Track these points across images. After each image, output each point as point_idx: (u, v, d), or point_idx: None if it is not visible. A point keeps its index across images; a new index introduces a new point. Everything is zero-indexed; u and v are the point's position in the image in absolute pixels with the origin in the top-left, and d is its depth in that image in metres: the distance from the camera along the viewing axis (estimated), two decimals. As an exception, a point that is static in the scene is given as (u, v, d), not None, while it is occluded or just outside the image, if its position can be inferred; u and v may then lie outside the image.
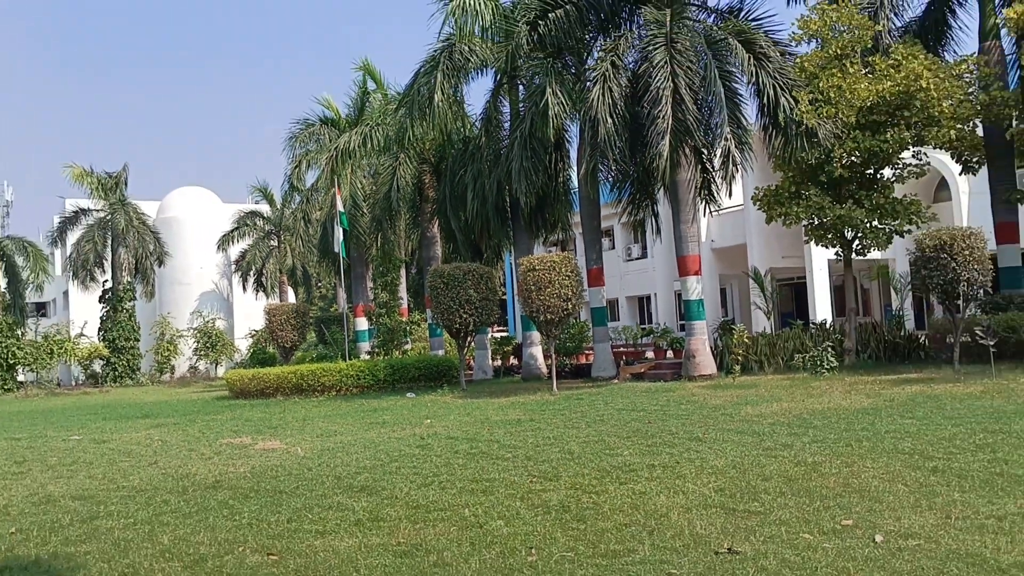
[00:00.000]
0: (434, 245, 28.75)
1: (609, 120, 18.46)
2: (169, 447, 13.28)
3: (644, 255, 35.84)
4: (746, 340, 19.84)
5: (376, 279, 32.69)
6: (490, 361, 27.84)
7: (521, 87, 24.28)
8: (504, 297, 41.11)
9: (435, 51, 23.11)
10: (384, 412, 16.93)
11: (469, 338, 22.47)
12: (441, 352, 28.01)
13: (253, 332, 44.55)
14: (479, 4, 22.25)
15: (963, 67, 19.02)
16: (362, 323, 33.10)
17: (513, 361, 29.27)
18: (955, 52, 20.96)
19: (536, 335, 24.24)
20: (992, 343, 15.67)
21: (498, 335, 34.93)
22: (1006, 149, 19.15)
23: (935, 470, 7.59)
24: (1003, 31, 18.61)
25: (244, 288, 46.87)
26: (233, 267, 48.40)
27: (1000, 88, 18.54)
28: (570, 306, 18.87)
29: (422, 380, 23.47)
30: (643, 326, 32.47)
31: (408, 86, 23.78)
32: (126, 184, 41.46)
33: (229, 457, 11.67)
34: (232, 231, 45.49)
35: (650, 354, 25.86)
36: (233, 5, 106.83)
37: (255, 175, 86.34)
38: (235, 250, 47.25)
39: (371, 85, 31.43)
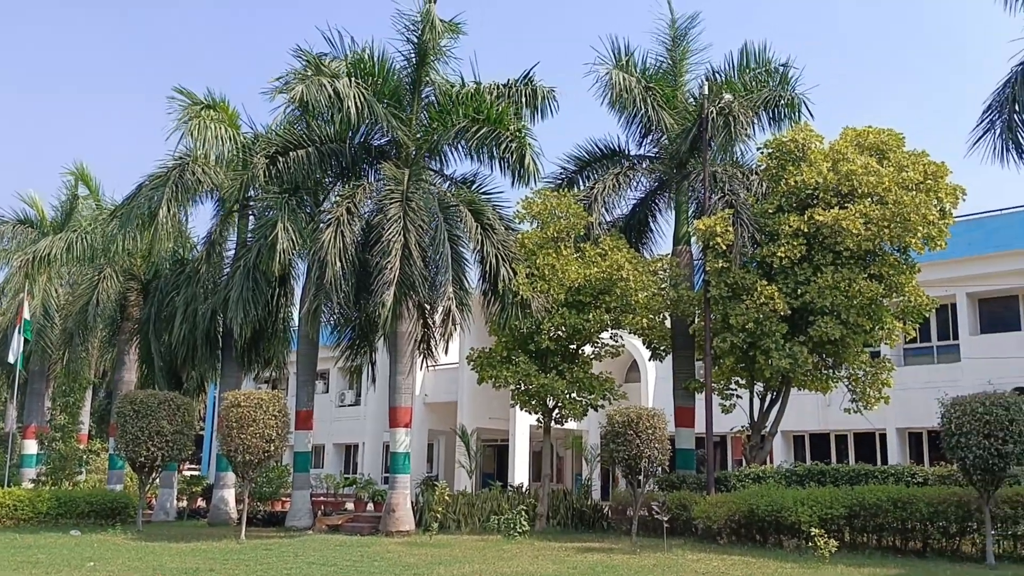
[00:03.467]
0: (129, 368, 26.54)
1: (338, 264, 18.54)
2: None
3: (357, 402, 35.42)
4: (447, 498, 19.92)
5: (56, 399, 29.54)
6: (175, 501, 25.61)
7: (252, 217, 23.89)
8: (202, 432, 38.52)
9: (166, 168, 22.27)
10: (40, 550, 14.84)
11: (154, 474, 20.58)
12: (119, 487, 25.31)
13: None
14: (220, 130, 21.93)
15: (658, 264, 21.39)
16: (31, 446, 29.24)
17: (201, 503, 27.17)
18: (652, 251, 23.53)
19: (231, 476, 22.75)
20: (666, 519, 16.95)
21: (188, 473, 32.40)
22: (689, 342, 21.47)
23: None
24: (693, 239, 21.22)
25: None
26: None
27: (687, 288, 20.97)
28: (272, 448, 17.97)
29: (92, 517, 20.98)
30: (347, 475, 31.68)
31: (129, 198, 22.54)
32: None
33: None
34: None
35: (350, 505, 25.16)
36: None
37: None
38: None
39: (84, 191, 29.42)
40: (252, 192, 22.65)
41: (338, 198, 20.17)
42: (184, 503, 26.99)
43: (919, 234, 17.80)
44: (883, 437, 25.06)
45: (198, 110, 22.17)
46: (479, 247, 19.64)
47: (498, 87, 20.97)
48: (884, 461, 24.12)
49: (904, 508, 15.12)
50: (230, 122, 22.84)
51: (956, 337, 24.70)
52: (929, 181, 18.05)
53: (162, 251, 22.11)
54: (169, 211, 21.37)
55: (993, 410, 13.61)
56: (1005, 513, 14.29)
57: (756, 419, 20.49)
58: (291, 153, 20.11)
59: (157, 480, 22.84)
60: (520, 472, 28.39)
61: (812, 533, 14.70)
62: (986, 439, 13.50)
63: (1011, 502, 14.26)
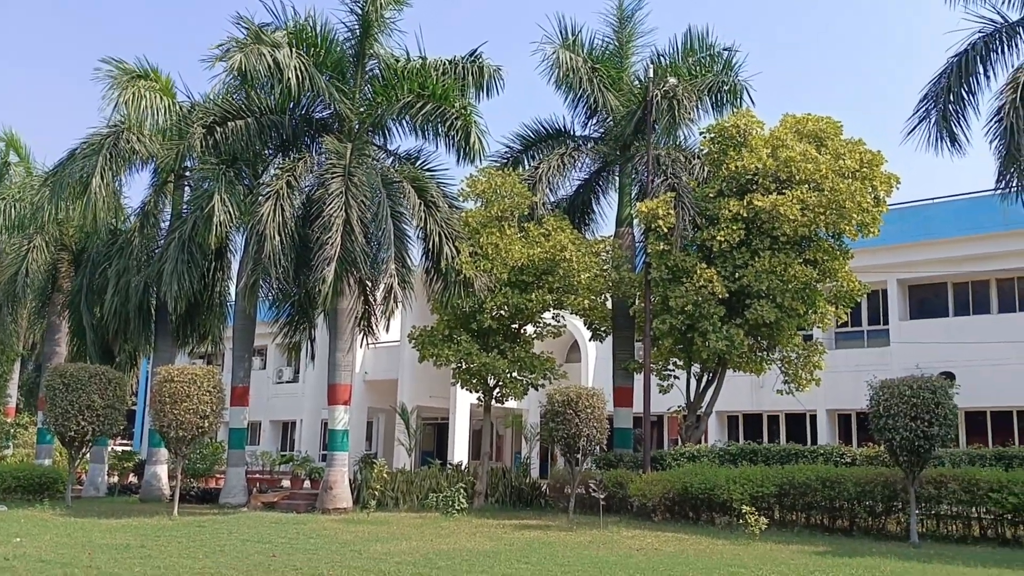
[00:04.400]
0: (60, 340, 25.84)
1: (277, 238, 18.22)
2: None
3: (295, 379, 35.04)
4: (385, 475, 19.88)
5: (-18, 371, 28.73)
6: (106, 477, 25.09)
7: (188, 188, 23.35)
8: (134, 407, 37.75)
9: (100, 135, 21.60)
10: (-39, 527, 14.40)
11: (84, 449, 20.12)
12: (48, 461, 24.72)
13: None
14: (155, 99, 21.37)
15: (601, 246, 21.54)
16: (-46, 420, 28.41)
17: (133, 479, 26.69)
18: (595, 232, 23.68)
19: (164, 452, 22.32)
20: (603, 496, 17.19)
21: (119, 448, 31.76)
22: (629, 323, 21.69)
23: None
24: (635, 221, 21.39)
25: None
26: None
27: (628, 270, 21.14)
28: (207, 424, 17.69)
29: (20, 492, 20.49)
30: (284, 453, 31.37)
31: (60, 165, 21.82)
32: None
33: None
34: None
35: (287, 482, 24.91)
36: None
37: None
38: None
39: (15, 158, 28.44)
40: (188, 162, 22.11)
41: (278, 171, 19.78)
42: (115, 479, 26.49)
43: (854, 221, 18.20)
44: (813, 418, 25.71)
45: (130, 79, 21.56)
46: (422, 224, 19.49)
47: (444, 63, 20.77)
48: (814, 441, 24.75)
49: (832, 487, 15.56)
50: (165, 91, 22.26)
51: (886, 322, 25.43)
52: (865, 169, 18.44)
53: (98, 221, 21.45)
54: (103, 180, 20.75)
55: (920, 393, 14.04)
56: (929, 493, 14.78)
57: (692, 399, 20.84)
58: (229, 123, 19.63)
59: (87, 455, 22.35)
60: (460, 450, 28.44)
61: (743, 511, 15.06)
62: (913, 421, 13.92)
63: (935, 482, 14.75)
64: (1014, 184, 15.28)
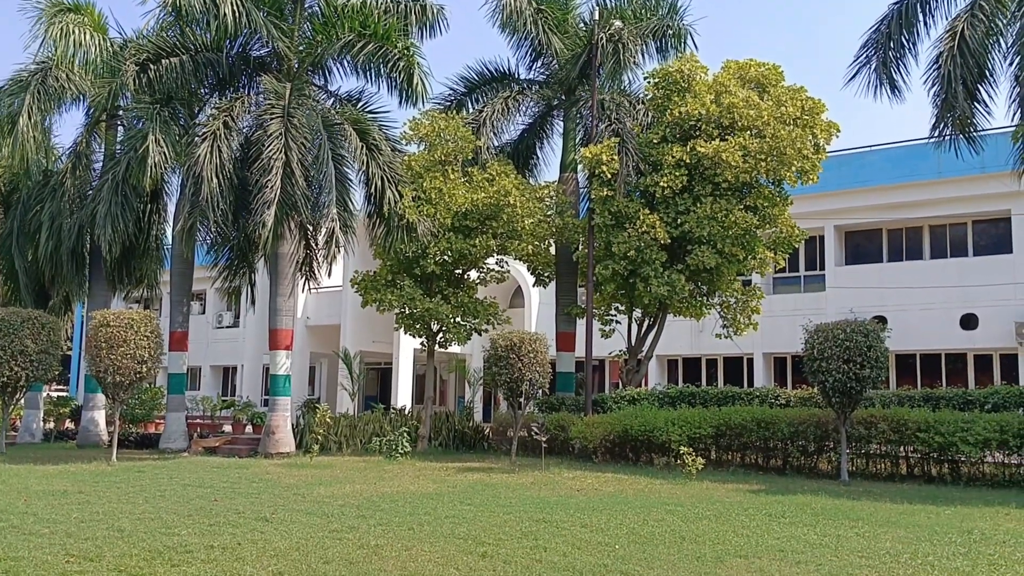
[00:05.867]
0: (-10, 285, 25.08)
1: (215, 180, 17.78)
2: None
3: (236, 324, 34.61)
4: (328, 420, 19.85)
5: (-94, 316, 27.79)
6: (41, 423, 24.62)
7: (121, 128, 22.62)
8: (69, 352, 36.99)
9: (27, 72, 20.75)
10: None
11: (19, 394, 19.67)
12: (-21, 409, 24.16)
13: None
14: (84, 35, 20.51)
15: (545, 191, 21.48)
16: None
17: (69, 425, 26.24)
18: (539, 178, 23.61)
19: (101, 398, 22.00)
20: (545, 439, 17.44)
21: (55, 394, 31.16)
22: (572, 268, 21.82)
23: (485, 555, 8.08)
24: (579, 167, 21.37)
25: None
26: None
27: (572, 215, 21.18)
28: (144, 369, 17.39)
29: (-51, 439, 20.01)
30: (225, 398, 31.11)
31: (-18, 102, 20.91)
32: None
33: None
34: None
35: (228, 428, 24.76)
36: None
37: None
38: None
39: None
40: (122, 101, 21.34)
41: (215, 111, 19.20)
42: (51, 425, 26.02)
43: (794, 168, 18.44)
44: (750, 361, 26.33)
45: (59, 11, 20.66)
46: (364, 168, 19.18)
47: (386, 1, 20.27)
48: (751, 384, 25.40)
49: (767, 428, 16.00)
50: (96, 26, 21.40)
51: (822, 268, 26.01)
52: (806, 117, 18.64)
53: (27, 161, 20.64)
54: (31, 118, 19.99)
55: (853, 336, 14.42)
56: (859, 433, 15.28)
57: (633, 344, 21.12)
58: (163, 61, 18.94)
59: (22, 401, 21.91)
60: (403, 395, 28.53)
61: (681, 451, 15.41)
62: (846, 364, 14.32)
63: (865, 423, 15.26)
64: (948, 132, 15.57)
